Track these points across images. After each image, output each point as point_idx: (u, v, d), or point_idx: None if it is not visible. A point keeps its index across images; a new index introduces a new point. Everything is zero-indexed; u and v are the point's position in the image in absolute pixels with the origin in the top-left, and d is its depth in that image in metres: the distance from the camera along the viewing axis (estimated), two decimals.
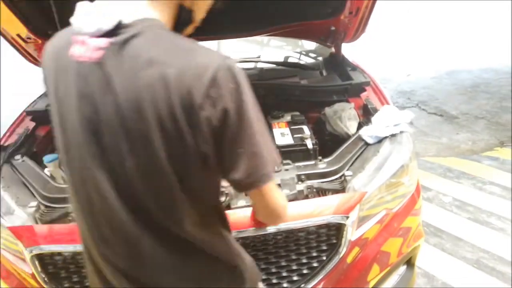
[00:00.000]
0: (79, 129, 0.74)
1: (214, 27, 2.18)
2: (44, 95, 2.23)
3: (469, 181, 3.16)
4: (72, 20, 0.75)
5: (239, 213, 1.32)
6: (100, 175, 0.75)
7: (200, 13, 0.85)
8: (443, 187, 3.10)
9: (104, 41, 0.70)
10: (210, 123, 0.69)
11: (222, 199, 1.40)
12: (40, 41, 1.96)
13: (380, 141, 1.64)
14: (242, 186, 0.79)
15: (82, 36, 0.72)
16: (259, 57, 2.48)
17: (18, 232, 1.31)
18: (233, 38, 2.32)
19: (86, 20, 0.73)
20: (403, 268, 1.70)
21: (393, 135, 1.64)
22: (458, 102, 4.80)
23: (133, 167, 0.73)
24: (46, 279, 1.30)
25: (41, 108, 2.03)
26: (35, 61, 2.12)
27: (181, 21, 0.82)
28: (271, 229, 1.28)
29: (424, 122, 4.34)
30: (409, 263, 1.71)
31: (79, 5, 0.75)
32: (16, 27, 1.87)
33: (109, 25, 0.70)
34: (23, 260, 1.34)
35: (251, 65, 2.48)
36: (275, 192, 0.84)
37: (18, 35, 1.91)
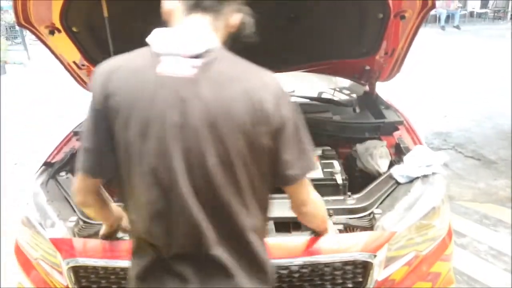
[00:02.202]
0: (166, 134, 0.87)
1: (252, 62, 2.29)
2: None
3: (507, 230, 3.00)
4: (150, 41, 0.91)
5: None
6: (180, 175, 0.87)
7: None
8: (479, 234, 2.96)
9: (198, 62, 0.87)
10: (277, 126, 0.89)
11: None
12: (93, 68, 2.13)
13: (411, 181, 1.63)
14: (293, 178, 0.97)
15: (174, 57, 0.87)
16: (293, 91, 2.55)
17: (58, 244, 1.39)
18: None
19: (171, 43, 0.88)
20: None
21: (425, 176, 1.63)
22: (497, 147, 4.63)
23: (216, 164, 0.87)
24: None
25: None
26: (86, 86, 2.30)
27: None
28: (297, 261, 1.30)
29: (460, 165, 4.21)
30: None
31: (156, 31, 0.91)
32: (72, 54, 2.05)
33: (201, 49, 0.87)
34: (60, 272, 1.41)
35: None
36: (309, 185, 1.05)
37: (74, 62, 2.09)
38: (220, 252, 0.92)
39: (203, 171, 0.87)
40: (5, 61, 11.03)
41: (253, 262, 0.97)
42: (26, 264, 1.60)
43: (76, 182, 1.03)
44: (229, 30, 0.97)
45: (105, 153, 0.95)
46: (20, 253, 1.64)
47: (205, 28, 0.92)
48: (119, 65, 0.93)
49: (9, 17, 13.27)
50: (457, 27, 13.86)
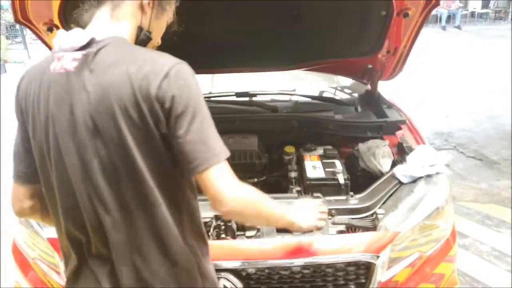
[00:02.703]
0: (62, 131, 0.86)
1: (252, 60, 2.28)
2: None
3: (509, 231, 2.98)
4: (53, 42, 0.90)
5: (267, 244, 1.33)
6: (77, 171, 0.86)
7: (157, 34, 1.01)
8: (481, 235, 2.94)
9: (79, 54, 0.85)
10: (163, 110, 0.82)
11: (253, 232, 1.40)
12: None
13: (414, 181, 1.61)
14: (187, 171, 0.86)
15: (61, 53, 0.87)
16: (294, 90, 2.53)
17: (55, 243, 1.37)
18: (270, 71, 2.39)
19: (65, 40, 0.88)
20: None
21: (428, 176, 1.61)
22: (499, 147, 4.61)
23: (105, 158, 0.84)
24: None
25: None
26: None
27: (139, 40, 0.96)
28: (298, 261, 1.27)
29: (462, 166, 4.19)
30: None
31: (59, 32, 0.91)
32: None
33: (84, 41, 0.86)
34: (57, 272, 1.39)
35: (286, 97, 2.53)
36: (218, 179, 0.87)
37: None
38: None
39: (96, 164, 0.85)
40: (5, 60, 11.02)
41: (167, 262, 0.91)
42: (23, 264, 1.58)
43: (11, 191, 1.01)
44: (145, 14, 0.95)
45: (29, 158, 0.96)
46: (17, 253, 1.61)
47: (101, 19, 0.91)
48: (28, 71, 0.96)
49: (10, 16, 13.26)
50: (458, 27, 13.82)
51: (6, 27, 13.80)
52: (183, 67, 0.86)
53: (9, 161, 0.99)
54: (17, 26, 13.15)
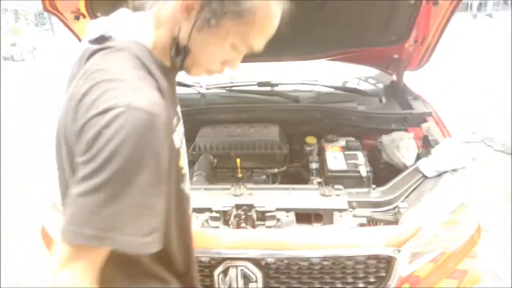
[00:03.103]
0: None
1: (275, 49, 2.25)
2: None
3: None
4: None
5: (287, 234, 1.33)
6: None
7: (201, 54, 0.81)
8: (507, 232, 2.85)
9: (83, 48, 0.79)
10: (80, 150, 0.66)
11: (273, 223, 1.41)
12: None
13: (439, 175, 1.57)
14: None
15: (84, 43, 0.81)
16: (317, 80, 2.49)
17: None
18: (293, 60, 2.36)
19: (87, 30, 0.81)
20: None
21: (454, 170, 1.57)
22: None
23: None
24: None
25: None
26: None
27: (171, 56, 0.81)
28: (318, 253, 1.27)
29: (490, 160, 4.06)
30: None
31: (93, 21, 0.83)
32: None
33: (95, 34, 0.78)
34: None
35: (308, 87, 2.50)
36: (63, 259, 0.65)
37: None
38: None
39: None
40: (34, 48, 11.35)
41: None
42: (51, 246, 1.64)
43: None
44: (185, 20, 0.77)
45: None
46: (46, 237, 1.68)
47: (125, 13, 0.83)
48: None
49: (38, 4, 13.61)
50: (490, 15, 13.25)
51: (35, 15, 14.17)
52: (132, 117, 0.63)
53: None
54: (45, 14, 13.47)
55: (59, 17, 1.82)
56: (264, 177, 2.00)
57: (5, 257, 2.47)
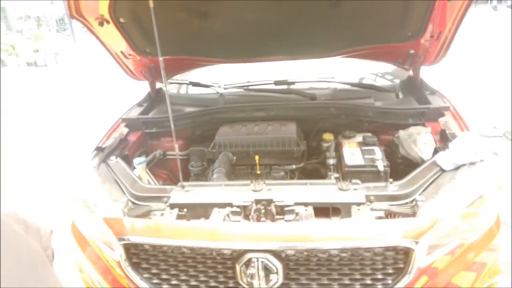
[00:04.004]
0: None
1: (291, 47, 2.30)
2: (137, 105, 2.50)
3: None
4: None
5: (306, 227, 1.37)
6: None
7: None
8: None
9: None
10: None
11: (292, 217, 1.45)
12: (138, 58, 2.22)
13: (457, 168, 1.58)
14: None
15: None
16: (333, 77, 2.52)
17: (110, 222, 1.49)
18: (309, 58, 2.40)
19: None
20: None
21: (472, 163, 1.57)
22: None
23: None
24: (129, 267, 1.46)
25: (134, 117, 2.28)
26: (132, 74, 2.40)
27: None
28: (336, 245, 1.31)
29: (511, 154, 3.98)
30: None
31: None
32: (120, 44, 2.15)
33: None
34: (112, 249, 1.52)
35: (325, 85, 2.53)
36: None
37: (121, 52, 2.19)
38: None
39: None
40: (56, 53, 11.68)
41: None
42: (81, 241, 1.73)
43: None
44: None
45: None
46: (76, 232, 1.77)
47: None
48: None
49: (58, 10, 13.95)
50: (511, 6, 12.89)
51: (56, 21, 14.56)
52: None
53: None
54: (66, 19, 13.82)
55: (84, 24, 1.91)
56: (282, 173, 2.04)
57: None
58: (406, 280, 1.34)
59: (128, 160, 2.00)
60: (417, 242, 1.31)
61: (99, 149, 2.00)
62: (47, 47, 11.82)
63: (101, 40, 2.07)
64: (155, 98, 2.59)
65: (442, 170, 1.60)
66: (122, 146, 2.08)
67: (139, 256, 1.47)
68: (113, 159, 1.92)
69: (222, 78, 2.65)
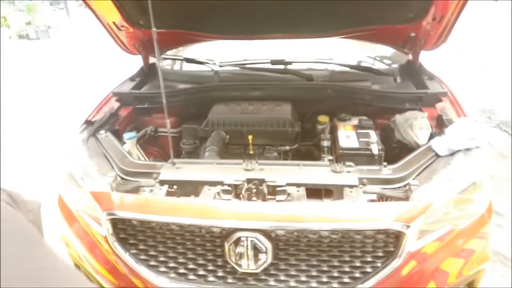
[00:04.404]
0: None
1: (289, 25, 2.24)
2: (129, 79, 2.44)
3: None
4: None
5: (297, 207, 1.35)
6: None
7: None
8: None
9: None
10: None
11: (283, 197, 1.43)
12: (131, 30, 2.15)
13: (452, 154, 1.56)
14: None
15: None
16: (331, 59, 2.47)
17: (97, 197, 1.46)
18: (310, 37, 2.34)
19: None
20: None
21: (467, 149, 1.56)
22: None
23: None
24: (116, 242, 1.44)
25: (126, 91, 2.22)
26: (125, 47, 2.33)
27: None
28: (327, 226, 1.29)
29: (505, 144, 4.00)
30: (471, 286, 1.61)
31: None
32: (113, 15, 2.07)
33: None
34: (99, 223, 1.49)
35: (322, 66, 2.48)
36: None
37: (114, 23, 2.11)
38: None
39: None
40: (48, 26, 11.40)
41: None
42: (68, 215, 1.70)
43: None
44: None
45: None
46: (63, 205, 1.74)
47: None
48: None
49: None
50: None
51: None
52: None
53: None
54: None
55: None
56: (275, 154, 2.02)
57: None
58: (395, 263, 1.33)
59: (118, 135, 1.96)
60: (408, 226, 1.30)
61: (88, 123, 1.95)
62: (40, 20, 11.52)
63: (93, 10, 2.00)
64: (148, 73, 2.52)
65: (437, 156, 1.58)
66: (112, 120, 2.03)
67: (126, 231, 1.45)
68: (102, 133, 1.87)
69: (217, 56, 2.58)
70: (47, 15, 11.93)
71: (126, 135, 1.92)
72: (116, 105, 2.15)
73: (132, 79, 2.44)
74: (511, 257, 2.27)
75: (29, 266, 0.68)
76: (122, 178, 1.60)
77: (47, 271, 0.69)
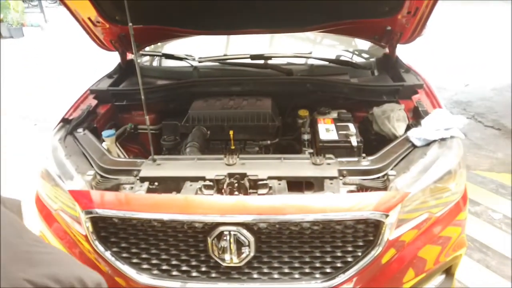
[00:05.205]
0: None
1: (268, 21, 2.24)
2: (107, 76, 2.40)
3: None
4: None
5: (278, 200, 1.37)
6: None
7: None
8: (494, 203, 2.93)
9: None
10: None
11: (265, 191, 1.43)
12: (107, 26, 2.11)
13: (428, 144, 1.60)
14: None
15: None
16: (310, 53, 2.49)
17: (76, 195, 1.43)
18: (286, 32, 2.35)
19: None
20: (441, 277, 1.66)
21: (442, 139, 1.60)
22: None
23: None
24: (97, 241, 1.42)
25: (103, 88, 2.19)
26: (102, 44, 2.28)
27: None
28: (308, 218, 1.31)
29: (479, 135, 4.12)
30: (449, 272, 1.66)
31: None
32: (88, 10, 2.02)
33: None
34: (79, 222, 1.47)
35: (302, 60, 2.50)
36: None
37: (89, 18, 2.07)
38: None
39: None
40: (22, 24, 11.05)
41: None
42: (47, 215, 1.67)
43: None
44: None
45: None
46: (41, 205, 1.70)
47: None
48: None
49: None
50: None
51: None
52: None
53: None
54: None
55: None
56: (256, 149, 2.02)
57: None
58: (375, 252, 1.36)
59: (97, 133, 1.93)
60: (387, 216, 1.33)
61: (65, 121, 1.91)
62: (13, 18, 11.15)
63: (67, 5, 1.95)
64: (126, 69, 2.48)
65: (414, 146, 1.62)
66: (90, 118, 1.99)
67: (107, 230, 1.43)
68: (80, 132, 1.84)
69: (196, 51, 2.56)
70: (20, 13, 11.56)
71: (105, 133, 1.89)
72: (94, 102, 2.11)
73: (109, 76, 2.40)
74: (511, 257, 2.35)
75: (22, 250, 0.68)
76: (101, 176, 1.57)
77: (40, 254, 0.70)
